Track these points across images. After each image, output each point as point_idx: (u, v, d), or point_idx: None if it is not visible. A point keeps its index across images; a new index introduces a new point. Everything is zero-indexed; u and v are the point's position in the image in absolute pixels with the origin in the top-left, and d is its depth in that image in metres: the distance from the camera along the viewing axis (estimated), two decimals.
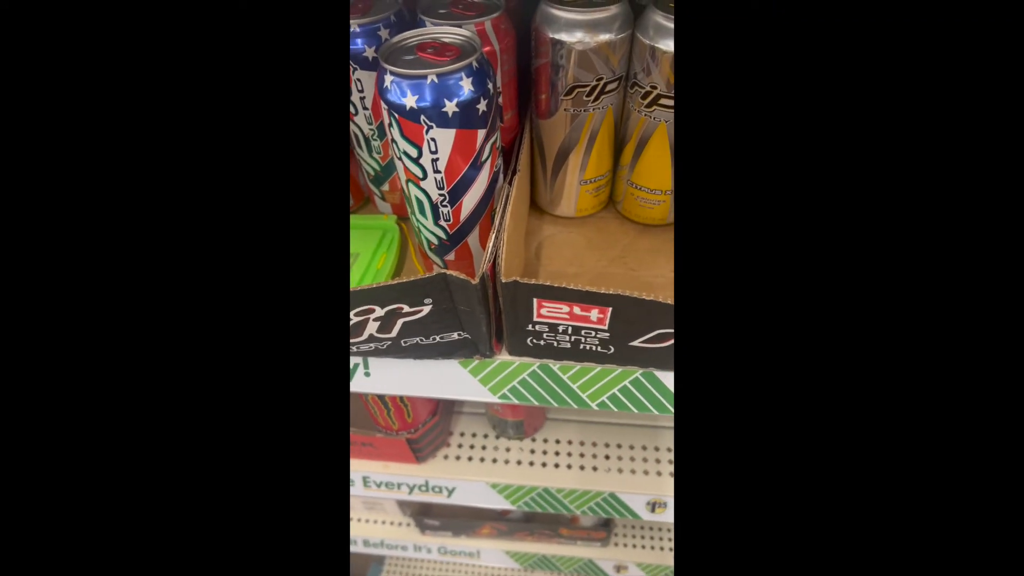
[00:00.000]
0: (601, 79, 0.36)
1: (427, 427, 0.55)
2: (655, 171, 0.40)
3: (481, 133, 0.30)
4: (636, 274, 0.41)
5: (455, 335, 0.34)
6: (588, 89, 0.36)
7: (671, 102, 0.35)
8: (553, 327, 0.32)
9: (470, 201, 0.33)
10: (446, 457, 0.61)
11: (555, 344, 0.34)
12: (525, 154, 0.39)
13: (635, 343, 0.32)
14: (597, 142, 0.40)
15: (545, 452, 0.61)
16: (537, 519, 0.82)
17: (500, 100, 0.38)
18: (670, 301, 0.27)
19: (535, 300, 0.30)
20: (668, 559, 0.79)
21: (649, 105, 0.36)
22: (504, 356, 0.37)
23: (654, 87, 0.35)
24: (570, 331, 0.32)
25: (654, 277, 0.41)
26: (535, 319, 0.32)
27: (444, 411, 0.59)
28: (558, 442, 0.62)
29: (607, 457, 0.60)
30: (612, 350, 0.33)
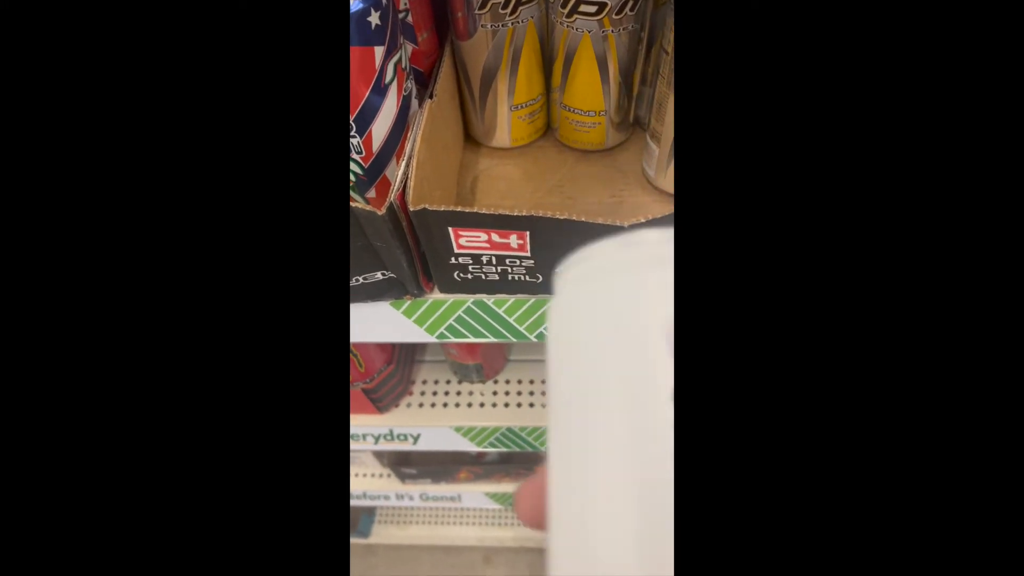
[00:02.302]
0: None
1: (383, 376, 0.54)
2: (585, 90, 0.38)
3: (379, 50, 0.28)
4: (574, 202, 0.40)
5: (379, 275, 0.33)
6: (503, 1, 0.33)
7: (592, 9, 0.33)
8: (476, 258, 0.31)
9: (380, 130, 0.31)
10: (409, 405, 0.61)
11: (483, 277, 0.32)
12: (444, 79, 0.36)
13: None
14: (522, 62, 0.37)
15: (507, 393, 0.61)
16: (514, 460, 0.84)
17: (409, 18, 0.35)
18: (585, 218, 0.26)
19: (450, 229, 0.28)
20: None
21: (569, 15, 0.34)
22: (437, 295, 0.36)
23: None
24: (494, 261, 0.31)
25: (591, 205, 0.39)
26: (456, 251, 0.30)
27: (402, 360, 0.59)
28: (520, 382, 0.62)
29: None
30: (540, 279, 0.32)
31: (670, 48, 0.31)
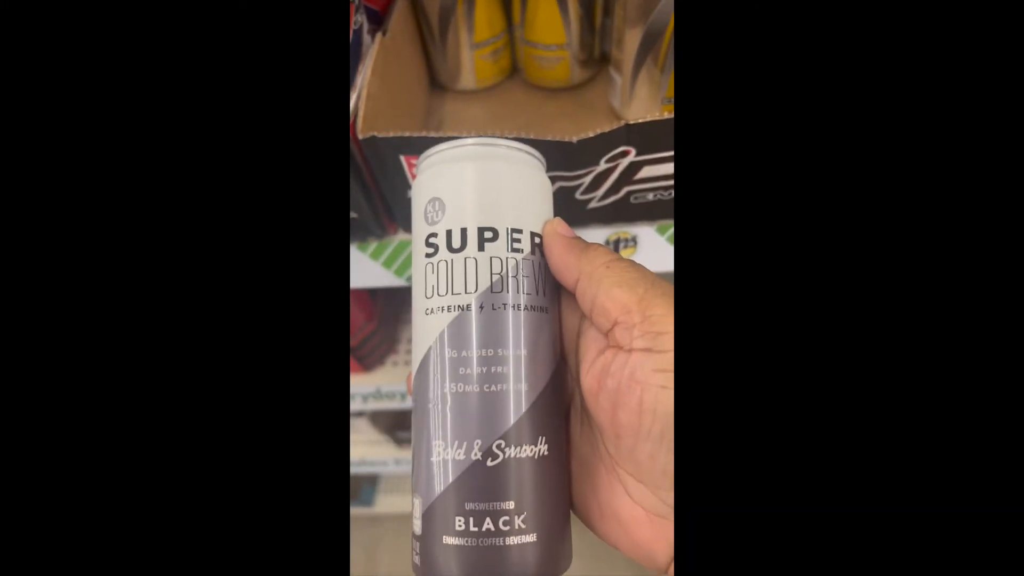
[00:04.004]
0: None
1: (365, 333, 0.54)
2: (546, 22, 0.37)
3: None
4: None
5: None
6: None
7: None
8: None
9: None
10: (395, 364, 0.61)
11: None
12: (399, 16, 0.35)
13: None
14: None
15: None
16: None
17: None
18: (534, 135, 0.25)
19: (403, 158, 0.28)
20: None
21: None
22: (403, 235, 0.35)
23: None
24: None
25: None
26: (412, 183, 0.30)
27: (384, 318, 0.59)
28: None
29: None
30: None
31: None
